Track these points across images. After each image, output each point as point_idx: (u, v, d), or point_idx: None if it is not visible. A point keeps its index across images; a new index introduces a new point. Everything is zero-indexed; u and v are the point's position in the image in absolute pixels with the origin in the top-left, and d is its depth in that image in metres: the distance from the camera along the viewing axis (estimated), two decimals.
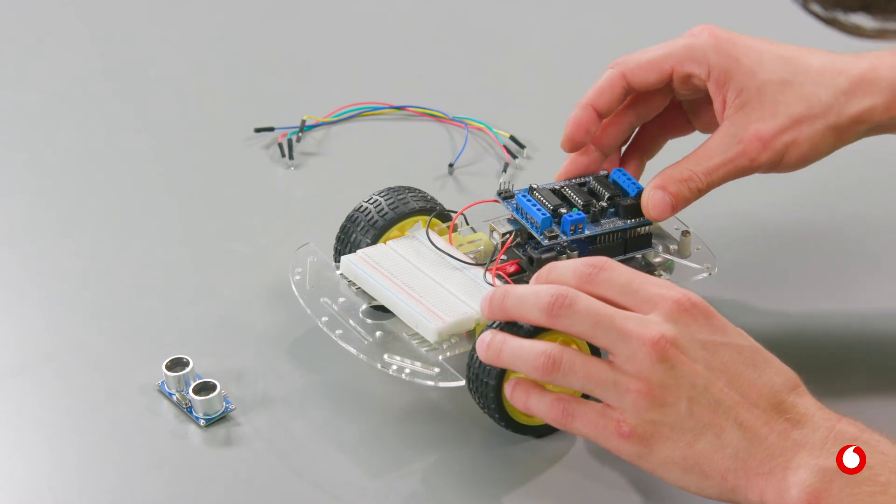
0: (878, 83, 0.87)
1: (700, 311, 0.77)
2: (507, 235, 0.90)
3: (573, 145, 0.91)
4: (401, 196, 0.92)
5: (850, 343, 0.93)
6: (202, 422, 0.85)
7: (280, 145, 1.10)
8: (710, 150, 0.87)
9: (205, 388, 0.86)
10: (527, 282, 0.85)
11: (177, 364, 0.87)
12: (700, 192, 0.88)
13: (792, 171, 0.89)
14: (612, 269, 0.79)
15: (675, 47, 0.89)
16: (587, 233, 0.89)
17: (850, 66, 0.87)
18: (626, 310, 0.78)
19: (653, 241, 0.92)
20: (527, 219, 0.89)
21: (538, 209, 0.89)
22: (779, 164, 0.87)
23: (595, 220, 0.90)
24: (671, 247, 0.92)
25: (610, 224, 0.90)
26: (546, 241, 0.88)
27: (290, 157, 1.09)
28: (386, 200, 0.92)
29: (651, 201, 0.88)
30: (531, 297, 0.79)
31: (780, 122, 0.86)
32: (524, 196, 0.90)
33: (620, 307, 0.78)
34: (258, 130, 1.11)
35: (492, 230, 0.91)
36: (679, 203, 0.88)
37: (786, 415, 0.75)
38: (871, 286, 0.98)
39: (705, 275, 0.91)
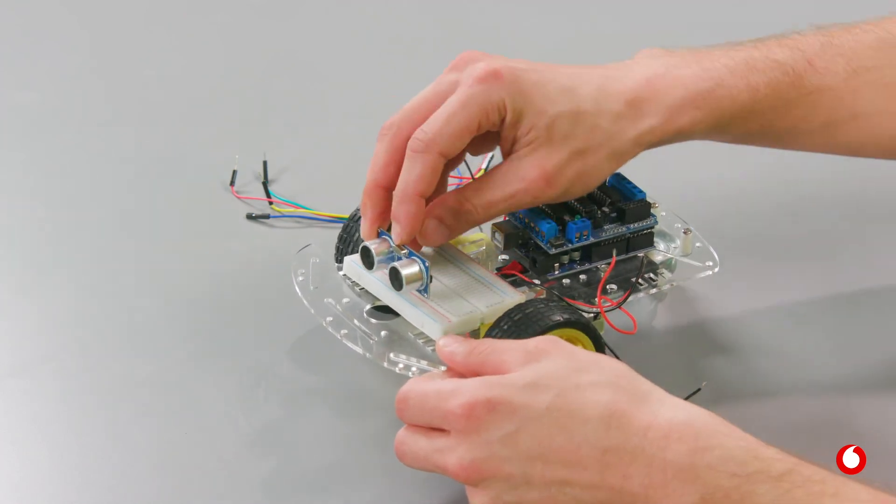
0: (654, 102, 0.85)
1: (485, 407, 0.74)
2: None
3: (412, 238, 0.86)
4: None
5: (851, 339, 0.93)
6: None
7: (235, 172, 1.08)
8: (493, 182, 0.84)
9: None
10: (525, 282, 0.86)
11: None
12: (476, 223, 0.85)
13: (578, 196, 0.87)
14: (405, 401, 0.77)
15: (472, 103, 0.83)
16: (592, 239, 0.90)
17: (624, 84, 0.86)
18: (441, 429, 0.76)
19: (655, 239, 0.92)
20: (532, 228, 0.89)
21: (543, 218, 0.89)
22: (564, 196, 0.85)
23: (598, 226, 0.90)
24: (672, 245, 0.92)
25: (613, 229, 0.90)
26: (553, 249, 0.89)
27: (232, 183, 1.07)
28: None
29: (427, 230, 0.84)
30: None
31: (564, 157, 0.84)
32: None
33: (437, 427, 0.76)
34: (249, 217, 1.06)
35: (494, 231, 0.91)
36: (455, 233, 0.85)
37: (617, 457, 0.72)
38: (872, 282, 0.98)
39: (709, 273, 0.91)
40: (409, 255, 0.85)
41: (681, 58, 0.88)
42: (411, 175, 0.83)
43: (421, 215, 0.84)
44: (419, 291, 0.84)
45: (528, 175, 0.84)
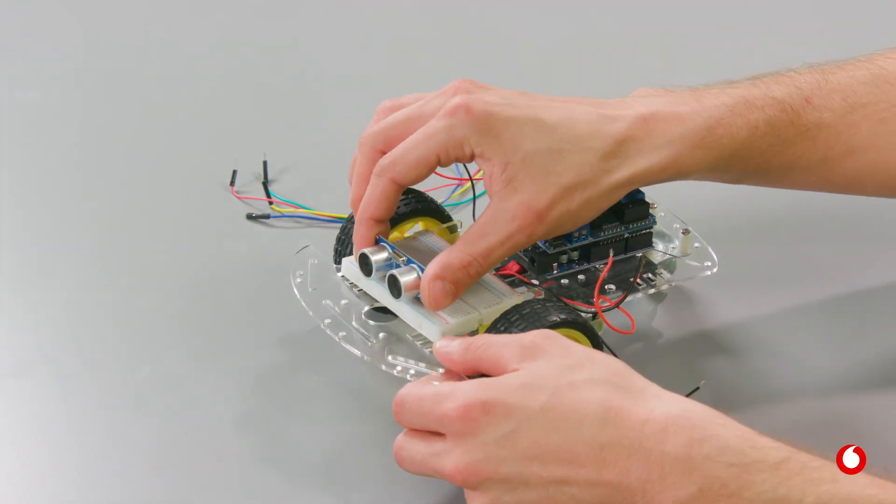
0: (648, 141, 0.85)
1: (480, 409, 0.74)
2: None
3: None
4: (401, 197, 0.92)
5: (851, 339, 0.93)
6: None
7: (235, 172, 1.08)
8: (485, 230, 0.83)
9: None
10: (523, 282, 0.87)
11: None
12: (479, 275, 0.84)
13: (566, 232, 0.87)
14: (402, 405, 0.77)
15: (435, 136, 0.83)
16: (590, 239, 0.90)
17: (618, 121, 0.85)
18: (437, 432, 0.76)
19: (654, 240, 0.92)
20: None
21: None
22: (553, 232, 0.84)
23: (597, 226, 0.90)
24: (671, 245, 0.92)
25: (612, 229, 0.90)
26: (551, 249, 0.89)
27: (232, 183, 1.07)
28: None
29: (431, 294, 0.83)
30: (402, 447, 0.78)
31: (552, 193, 0.83)
32: None
33: (434, 431, 0.76)
34: (250, 217, 1.06)
35: None
36: (460, 290, 0.84)
37: (614, 453, 0.72)
38: (872, 282, 0.98)
39: (708, 273, 0.91)
40: (408, 262, 0.85)
41: (678, 96, 0.87)
42: (367, 198, 0.85)
43: (372, 237, 0.86)
44: (418, 298, 0.84)
45: (517, 213, 0.83)
